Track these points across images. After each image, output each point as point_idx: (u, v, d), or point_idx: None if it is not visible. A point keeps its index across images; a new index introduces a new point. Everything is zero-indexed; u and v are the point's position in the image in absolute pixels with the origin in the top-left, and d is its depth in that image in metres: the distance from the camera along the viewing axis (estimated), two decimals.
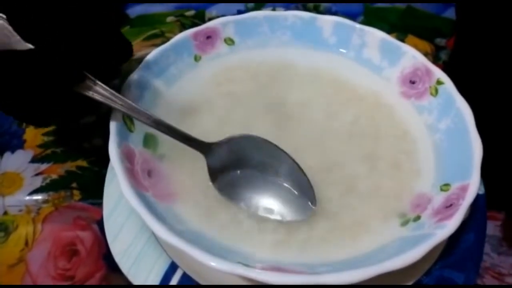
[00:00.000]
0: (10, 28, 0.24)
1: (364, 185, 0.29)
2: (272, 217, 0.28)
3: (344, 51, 0.36)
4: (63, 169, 0.38)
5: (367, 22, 0.49)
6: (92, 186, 0.37)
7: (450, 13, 0.51)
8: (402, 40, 0.35)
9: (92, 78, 0.26)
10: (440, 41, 0.49)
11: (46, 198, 0.37)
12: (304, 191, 0.28)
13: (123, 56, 0.29)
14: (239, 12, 0.46)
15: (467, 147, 0.28)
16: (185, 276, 0.27)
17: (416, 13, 0.52)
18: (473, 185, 0.26)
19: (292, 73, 0.36)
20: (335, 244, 0.26)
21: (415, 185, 0.29)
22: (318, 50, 0.36)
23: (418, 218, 0.27)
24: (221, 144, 0.29)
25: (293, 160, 0.28)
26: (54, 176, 0.38)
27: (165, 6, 0.52)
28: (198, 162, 0.29)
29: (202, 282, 0.27)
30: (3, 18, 0.24)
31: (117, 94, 0.27)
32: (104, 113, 0.29)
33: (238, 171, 0.29)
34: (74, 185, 0.38)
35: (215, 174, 0.29)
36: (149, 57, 0.32)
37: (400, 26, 0.50)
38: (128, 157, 0.27)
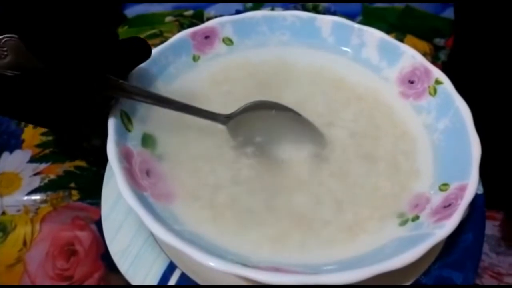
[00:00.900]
0: (24, 47, 0.24)
1: (363, 185, 0.29)
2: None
3: (343, 51, 0.36)
4: (62, 169, 0.38)
5: (366, 22, 0.50)
6: (90, 186, 0.37)
7: (448, 13, 0.51)
8: (401, 40, 0.35)
9: (114, 78, 0.27)
10: (439, 41, 0.50)
11: (45, 198, 0.37)
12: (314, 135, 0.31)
13: (143, 56, 0.30)
14: (238, 12, 0.46)
15: (465, 147, 0.28)
16: (183, 276, 0.27)
17: (414, 13, 0.52)
18: (472, 185, 0.26)
19: (291, 73, 0.36)
20: (334, 244, 0.26)
21: (414, 185, 0.29)
22: (317, 50, 0.36)
23: (416, 218, 0.27)
24: (238, 113, 0.31)
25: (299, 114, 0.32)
26: (53, 176, 0.38)
27: (163, 6, 0.52)
28: (196, 162, 0.29)
29: (201, 282, 0.27)
30: (15, 38, 0.24)
31: (142, 88, 0.28)
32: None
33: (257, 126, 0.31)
34: (72, 185, 0.37)
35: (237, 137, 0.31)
36: None
37: (399, 26, 0.50)
38: (126, 157, 0.27)
